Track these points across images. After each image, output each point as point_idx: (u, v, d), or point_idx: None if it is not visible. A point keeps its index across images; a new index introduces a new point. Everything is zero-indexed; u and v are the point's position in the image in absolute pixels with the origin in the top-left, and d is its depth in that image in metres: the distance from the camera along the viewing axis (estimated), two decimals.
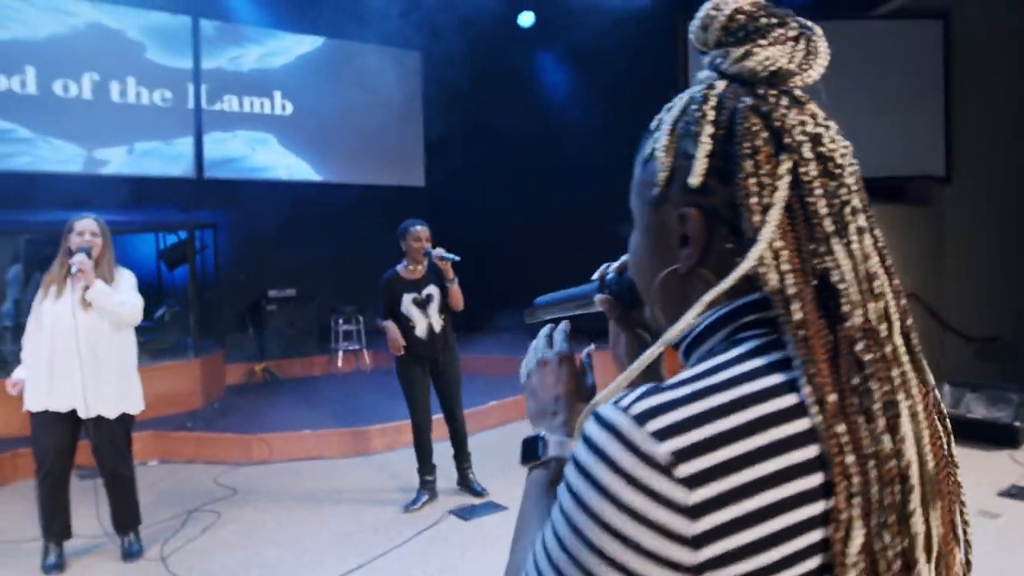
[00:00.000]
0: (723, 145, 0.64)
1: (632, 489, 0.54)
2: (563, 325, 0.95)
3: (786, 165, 0.62)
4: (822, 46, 0.67)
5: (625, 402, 0.57)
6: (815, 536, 0.56)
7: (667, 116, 0.70)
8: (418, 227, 4.43)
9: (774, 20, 0.66)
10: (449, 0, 7.73)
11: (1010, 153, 7.56)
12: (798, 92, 0.67)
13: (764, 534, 0.54)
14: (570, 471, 0.58)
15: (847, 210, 0.63)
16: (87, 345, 3.58)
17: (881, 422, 0.58)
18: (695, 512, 0.53)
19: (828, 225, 0.61)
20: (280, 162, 9.27)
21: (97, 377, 3.61)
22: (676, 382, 0.58)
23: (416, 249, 4.41)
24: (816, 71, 0.67)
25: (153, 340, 6.82)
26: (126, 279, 3.76)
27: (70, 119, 7.73)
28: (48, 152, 7.66)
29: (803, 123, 0.64)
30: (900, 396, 0.60)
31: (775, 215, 0.61)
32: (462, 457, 4.71)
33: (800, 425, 0.56)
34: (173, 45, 8.44)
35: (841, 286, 0.60)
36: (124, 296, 3.67)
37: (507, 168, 9.25)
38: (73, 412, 3.62)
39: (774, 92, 0.65)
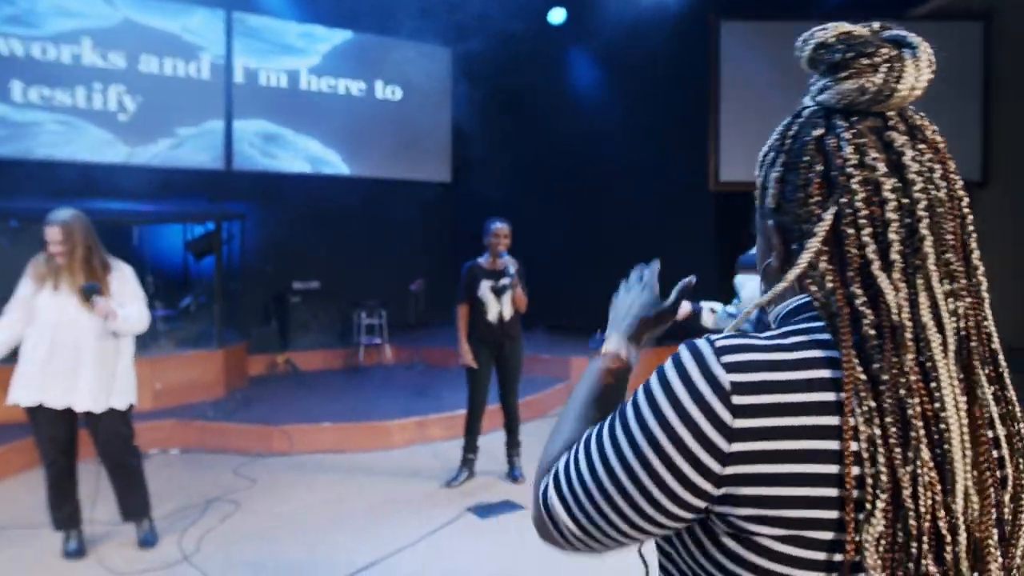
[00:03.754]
0: (790, 174, 0.74)
1: (693, 400, 0.67)
2: (653, 266, 1.09)
3: (834, 198, 0.70)
4: (911, 67, 0.69)
5: (713, 336, 0.71)
6: (830, 491, 0.65)
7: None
8: (496, 225, 4.75)
9: (852, 54, 0.70)
10: None
11: None
12: (891, 115, 0.71)
13: (779, 471, 0.65)
14: (652, 375, 0.72)
15: (905, 243, 0.68)
16: (95, 340, 3.55)
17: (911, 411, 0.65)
18: (733, 435, 0.66)
19: (871, 254, 0.68)
20: (309, 154, 9.31)
21: (108, 371, 3.59)
22: (759, 336, 0.71)
23: (494, 245, 4.73)
24: (903, 92, 0.69)
25: (178, 329, 6.89)
26: (124, 279, 3.66)
27: (104, 109, 7.84)
28: (82, 139, 7.78)
29: (862, 155, 0.69)
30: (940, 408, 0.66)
31: (814, 243, 0.71)
32: (512, 442, 4.94)
33: (828, 397, 0.66)
34: (207, 37, 8.50)
35: (869, 320, 0.67)
36: (128, 312, 3.57)
37: (537, 165, 9.20)
38: (68, 409, 3.56)
39: (845, 124, 0.71)
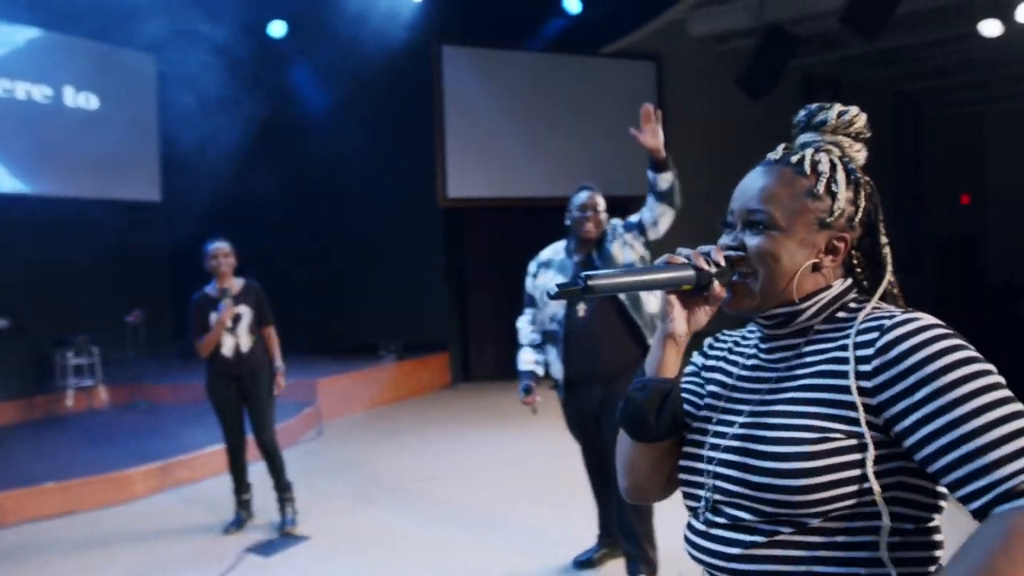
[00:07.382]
0: (868, 203, 1.06)
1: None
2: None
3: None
4: None
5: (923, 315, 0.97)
6: None
7: (834, 172, 1.04)
8: (212, 246, 4.34)
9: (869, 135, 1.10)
10: (189, 2, 7.17)
11: (719, 172, 8.95)
12: None
13: None
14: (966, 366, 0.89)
15: None
16: None
17: None
18: None
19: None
20: None
21: None
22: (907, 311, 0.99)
23: (215, 268, 4.32)
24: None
25: None
26: None
27: None
28: None
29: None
30: None
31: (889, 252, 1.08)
32: (279, 485, 4.48)
33: None
34: None
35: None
36: None
37: (265, 182, 8.79)
38: None
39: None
